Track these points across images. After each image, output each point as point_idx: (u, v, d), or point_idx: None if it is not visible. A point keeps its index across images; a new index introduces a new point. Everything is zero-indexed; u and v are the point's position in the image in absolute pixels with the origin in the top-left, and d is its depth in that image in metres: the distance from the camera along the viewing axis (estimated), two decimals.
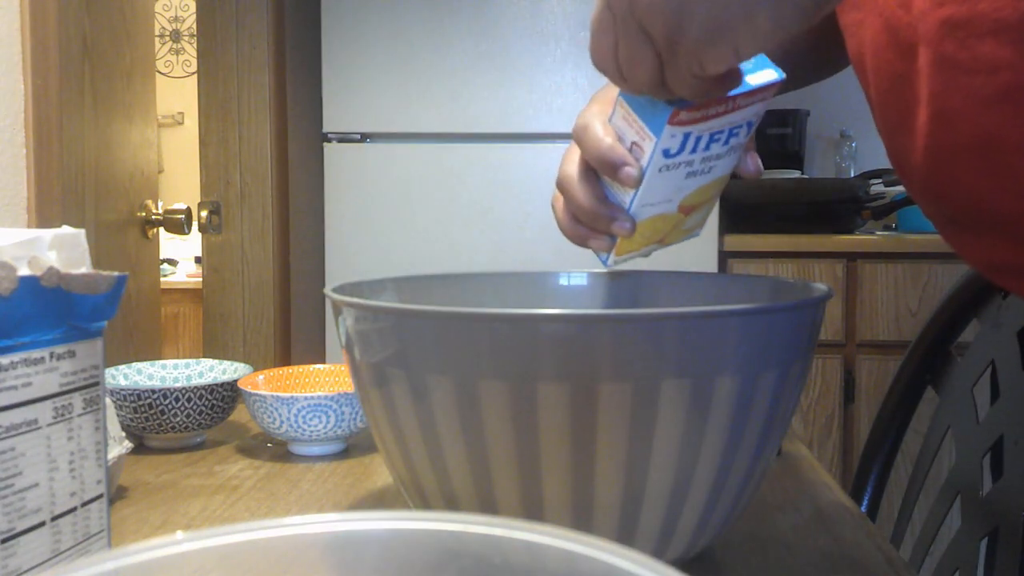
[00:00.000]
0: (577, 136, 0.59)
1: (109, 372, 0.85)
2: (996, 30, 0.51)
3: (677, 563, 0.52)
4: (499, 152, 2.08)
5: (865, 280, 2.08)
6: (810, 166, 2.75)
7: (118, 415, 0.79)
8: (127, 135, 1.68)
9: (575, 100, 2.07)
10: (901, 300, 2.07)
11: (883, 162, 2.58)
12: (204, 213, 2.01)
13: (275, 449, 0.81)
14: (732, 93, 0.52)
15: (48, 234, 0.44)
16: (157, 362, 0.90)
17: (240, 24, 2.05)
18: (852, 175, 2.60)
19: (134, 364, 0.88)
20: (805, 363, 0.51)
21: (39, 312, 0.41)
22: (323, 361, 2.24)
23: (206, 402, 0.79)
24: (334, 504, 0.67)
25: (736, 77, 0.52)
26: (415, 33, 2.07)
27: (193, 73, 3.84)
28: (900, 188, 2.26)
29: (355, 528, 0.24)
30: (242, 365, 0.88)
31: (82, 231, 0.46)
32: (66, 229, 0.45)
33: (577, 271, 0.71)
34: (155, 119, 1.83)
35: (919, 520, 0.96)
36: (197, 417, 0.80)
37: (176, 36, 4.02)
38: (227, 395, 0.81)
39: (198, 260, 3.46)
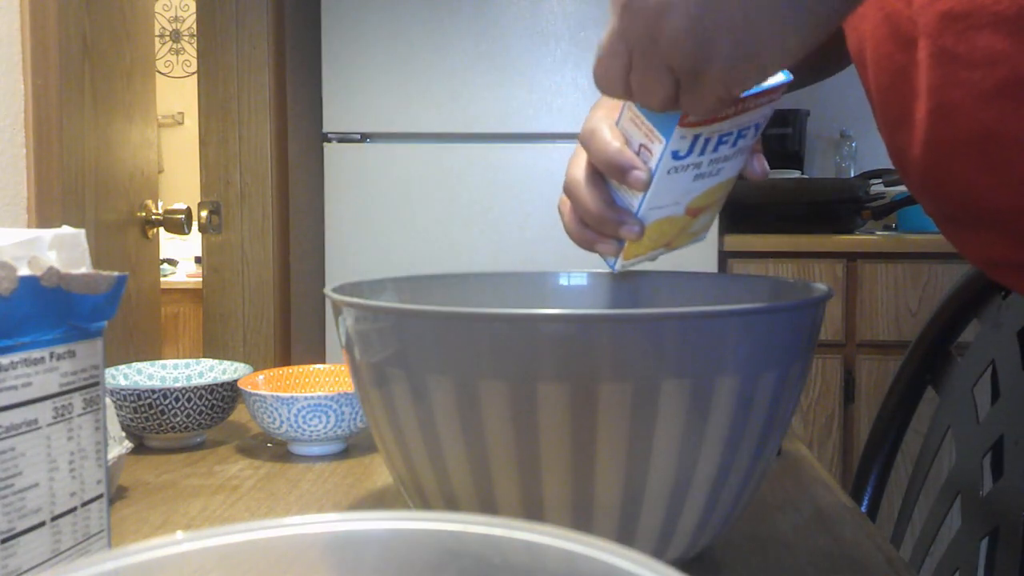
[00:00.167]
0: (584, 141, 0.59)
1: (109, 372, 0.85)
2: (995, 23, 0.51)
3: (677, 563, 0.52)
4: (499, 152, 2.08)
5: (865, 280, 2.08)
6: (810, 166, 2.75)
7: (118, 415, 0.79)
8: (127, 135, 1.68)
9: (575, 100, 2.07)
10: (901, 300, 2.07)
11: (883, 162, 2.58)
12: (204, 213, 2.01)
13: (275, 449, 0.81)
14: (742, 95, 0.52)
15: (48, 234, 0.44)
16: (157, 362, 0.90)
17: (240, 24, 2.05)
18: (852, 175, 2.60)
19: (134, 364, 0.88)
20: (805, 363, 0.51)
21: (39, 312, 0.41)
22: (323, 361, 2.24)
23: (206, 402, 0.79)
24: (334, 504, 0.67)
25: None
26: (415, 33, 2.07)
27: (193, 73, 3.84)
28: (900, 188, 2.26)
29: (355, 528, 0.24)
30: (242, 365, 0.88)
31: (82, 231, 0.46)
32: (66, 229, 0.45)
33: (577, 271, 0.71)
34: (155, 119, 1.83)
35: (919, 520, 0.96)
36: (197, 417, 0.80)
37: (176, 36, 4.02)
38: (227, 395, 0.81)
39: (198, 260, 3.46)
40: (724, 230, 2.15)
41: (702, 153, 0.55)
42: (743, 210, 2.17)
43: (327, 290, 0.55)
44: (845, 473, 2.09)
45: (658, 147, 0.54)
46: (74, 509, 0.44)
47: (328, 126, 2.10)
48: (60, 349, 0.43)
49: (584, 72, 2.07)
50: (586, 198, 0.59)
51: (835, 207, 2.15)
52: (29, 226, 1.26)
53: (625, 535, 0.49)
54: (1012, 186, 0.55)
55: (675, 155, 0.54)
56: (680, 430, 0.46)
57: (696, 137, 0.54)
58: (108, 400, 0.73)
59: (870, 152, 2.69)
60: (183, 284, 3.45)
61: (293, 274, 2.21)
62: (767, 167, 0.60)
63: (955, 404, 0.91)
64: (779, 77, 0.53)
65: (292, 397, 0.75)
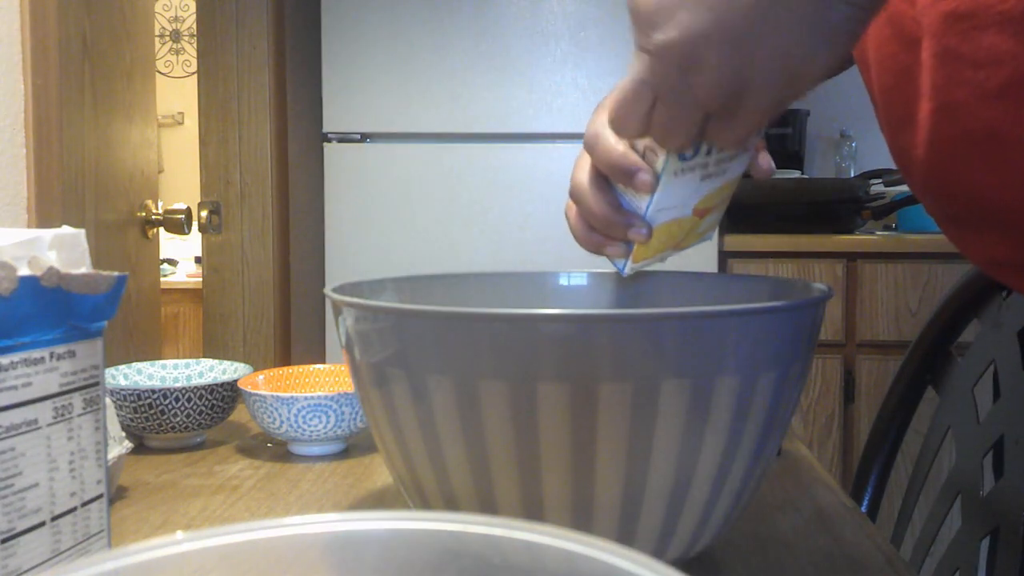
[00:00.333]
0: (588, 145, 0.58)
1: (109, 372, 0.85)
2: (1000, 22, 0.51)
3: (677, 563, 0.52)
4: (499, 152, 2.08)
5: (865, 280, 2.08)
6: (810, 166, 2.75)
7: (118, 415, 0.79)
8: (127, 135, 1.68)
9: (575, 100, 2.07)
10: (901, 300, 2.07)
11: (883, 162, 2.58)
12: (204, 213, 2.01)
13: (275, 449, 0.81)
14: None
15: (48, 234, 0.44)
16: (157, 362, 0.90)
17: (240, 24, 2.05)
18: (852, 175, 2.60)
19: (134, 364, 0.88)
20: (805, 363, 0.51)
21: (39, 312, 0.41)
22: (323, 361, 2.24)
23: (206, 402, 0.79)
24: (334, 504, 0.67)
25: None
26: (415, 33, 2.07)
27: (193, 73, 3.84)
28: (900, 188, 2.26)
29: (355, 528, 0.24)
30: (242, 365, 0.88)
31: (82, 231, 0.46)
32: (66, 229, 0.45)
33: (577, 271, 0.71)
34: (155, 119, 1.83)
35: (919, 520, 0.96)
36: (197, 417, 0.80)
37: (176, 36, 4.02)
38: (227, 395, 0.81)
39: (198, 260, 3.46)
40: (724, 230, 2.15)
41: (708, 153, 0.55)
42: (743, 210, 2.17)
43: (327, 290, 0.55)
44: (845, 473, 2.09)
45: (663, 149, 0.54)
46: (74, 509, 0.44)
47: (328, 126, 2.10)
48: (60, 349, 0.43)
49: (584, 72, 2.07)
50: (592, 202, 0.59)
51: (835, 207, 2.15)
52: (29, 226, 1.26)
53: (625, 535, 0.49)
54: (1016, 185, 0.55)
55: (682, 156, 0.54)
56: (680, 430, 0.46)
57: None
58: (108, 400, 0.73)
59: (870, 152, 2.69)
60: (183, 284, 3.45)
61: (293, 274, 2.21)
62: (773, 164, 0.59)
63: (955, 404, 0.90)
64: None
65: (292, 397, 0.75)
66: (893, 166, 2.35)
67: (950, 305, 0.93)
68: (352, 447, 0.82)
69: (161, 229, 1.84)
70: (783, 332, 0.48)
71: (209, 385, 0.79)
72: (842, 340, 2.09)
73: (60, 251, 0.44)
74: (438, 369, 0.47)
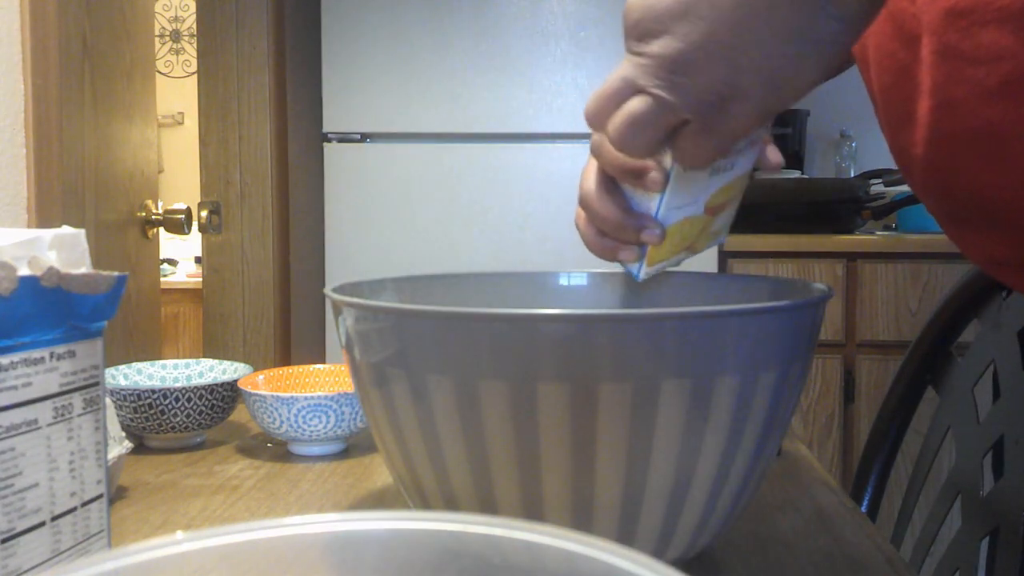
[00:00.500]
0: (595, 150, 0.58)
1: (109, 372, 0.85)
2: (1000, 19, 0.51)
3: (677, 563, 0.52)
4: (499, 152, 2.08)
5: (865, 280, 2.08)
6: (810, 166, 2.75)
7: (118, 415, 0.79)
8: (127, 135, 1.68)
9: (575, 100, 2.07)
10: (901, 300, 2.07)
11: (883, 162, 2.58)
12: (204, 213, 2.01)
13: (275, 449, 0.81)
14: None
15: (48, 234, 0.44)
16: (157, 362, 0.90)
17: (240, 24, 2.05)
18: (852, 175, 2.60)
19: (134, 364, 0.88)
20: (805, 363, 0.51)
21: (39, 312, 0.41)
22: (323, 361, 2.24)
23: (206, 402, 0.79)
24: (334, 504, 0.67)
25: None
26: (415, 33, 2.07)
27: (193, 73, 3.84)
28: (900, 188, 2.26)
29: (355, 528, 0.24)
30: (242, 365, 0.88)
31: (82, 231, 0.46)
32: (66, 229, 0.45)
33: (577, 271, 0.71)
34: (155, 119, 1.83)
35: (919, 520, 0.96)
36: (197, 417, 0.80)
37: (176, 36, 4.02)
38: (227, 395, 0.81)
39: (198, 260, 3.46)
40: None
41: None
42: (743, 210, 2.16)
43: (327, 290, 0.55)
44: (845, 473, 2.09)
45: None
46: (74, 509, 0.44)
47: (328, 126, 2.10)
48: (60, 349, 0.43)
49: (584, 72, 2.07)
50: (602, 207, 0.58)
51: (835, 207, 2.15)
52: (29, 226, 1.26)
53: (625, 535, 0.49)
54: (1016, 184, 0.55)
55: None
56: (680, 430, 0.46)
57: None
58: (108, 400, 0.73)
59: (870, 152, 2.69)
60: (183, 284, 3.45)
61: (293, 274, 2.21)
62: (781, 158, 0.59)
63: (955, 404, 0.91)
64: None
65: (292, 397, 0.75)
66: (893, 166, 2.35)
67: (950, 305, 0.93)
68: (352, 447, 0.82)
69: (161, 229, 1.84)
70: (783, 332, 0.48)
71: (209, 385, 0.79)
72: (842, 340, 2.09)
73: (60, 251, 0.44)
74: (438, 369, 0.47)
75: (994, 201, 0.57)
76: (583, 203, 0.61)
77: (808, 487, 0.71)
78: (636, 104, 0.49)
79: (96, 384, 0.46)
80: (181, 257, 3.77)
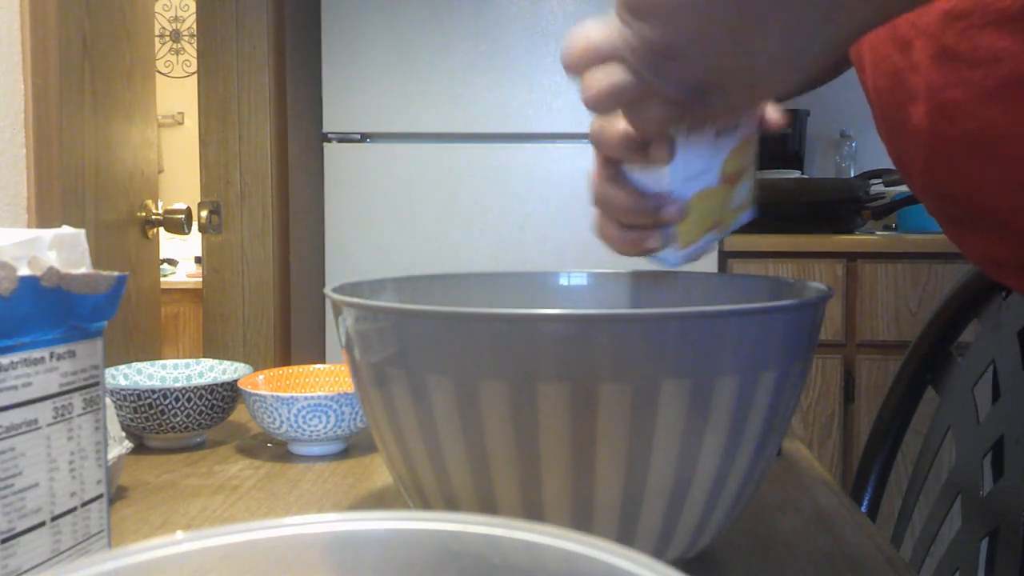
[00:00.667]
0: (595, 138, 0.57)
1: (109, 372, 0.85)
2: (997, 21, 0.51)
3: (677, 563, 0.52)
4: (499, 152, 2.08)
5: (865, 280, 2.08)
6: (810, 166, 2.75)
7: (118, 415, 0.79)
8: (127, 135, 1.68)
9: (575, 100, 2.07)
10: (901, 300, 2.07)
11: (883, 162, 2.58)
12: (204, 213, 2.01)
13: (275, 449, 0.81)
14: None
15: (48, 234, 0.44)
16: (157, 362, 0.90)
17: (240, 24, 2.05)
18: (852, 175, 2.60)
19: (134, 364, 0.88)
20: (805, 363, 0.51)
21: (39, 312, 0.41)
22: (323, 361, 2.24)
23: (206, 402, 0.79)
24: (334, 504, 0.67)
25: None
26: (415, 33, 2.07)
27: (193, 73, 3.84)
28: (900, 188, 2.26)
29: (355, 528, 0.24)
30: (242, 365, 0.88)
31: (82, 231, 0.46)
32: (66, 229, 0.45)
33: (577, 271, 0.71)
34: (155, 119, 1.83)
35: (919, 520, 0.96)
36: (197, 417, 0.80)
37: (176, 36, 4.02)
38: (227, 395, 0.81)
39: (198, 260, 3.46)
40: None
41: None
42: None
43: (327, 290, 0.55)
44: (845, 473, 2.09)
45: None
46: (74, 509, 0.44)
47: (328, 126, 2.10)
48: (60, 349, 0.43)
49: None
50: (616, 199, 0.58)
51: (835, 207, 2.15)
52: (29, 226, 1.26)
53: (625, 535, 0.49)
54: (1015, 185, 0.55)
55: None
56: (680, 430, 0.46)
57: None
58: (108, 400, 0.73)
59: (870, 152, 2.69)
60: (183, 284, 3.45)
61: (293, 274, 2.21)
62: (783, 116, 0.58)
63: (955, 404, 0.90)
64: None
65: (292, 397, 0.75)
66: (893, 166, 2.35)
67: (950, 305, 0.93)
68: (352, 447, 0.82)
69: (161, 229, 1.84)
70: (783, 332, 0.48)
71: (209, 385, 0.79)
72: (842, 340, 2.09)
73: (60, 251, 0.44)
74: (438, 369, 0.47)
75: (993, 203, 0.57)
76: (597, 203, 0.60)
77: (808, 487, 0.71)
78: (618, 75, 0.48)
79: (96, 384, 0.46)
80: (181, 257, 3.77)
